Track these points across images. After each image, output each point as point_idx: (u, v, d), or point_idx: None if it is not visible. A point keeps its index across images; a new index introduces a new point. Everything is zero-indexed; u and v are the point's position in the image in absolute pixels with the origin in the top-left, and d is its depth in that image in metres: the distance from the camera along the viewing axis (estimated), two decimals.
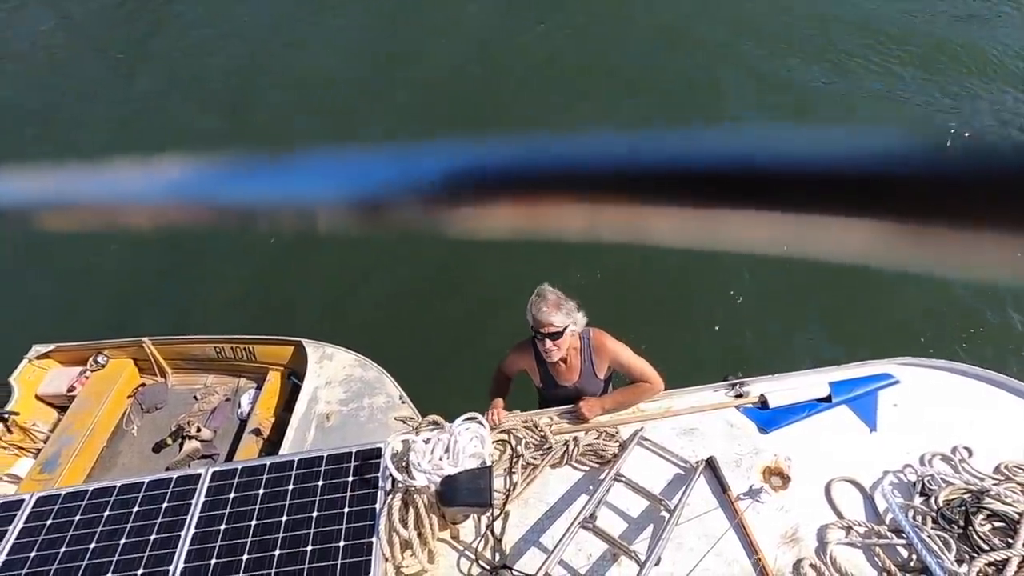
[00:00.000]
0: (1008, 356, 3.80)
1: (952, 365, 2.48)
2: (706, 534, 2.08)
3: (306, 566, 1.99)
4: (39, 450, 3.50)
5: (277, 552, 2.03)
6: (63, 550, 2.11)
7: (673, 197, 0.38)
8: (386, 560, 2.01)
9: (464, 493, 2.05)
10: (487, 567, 2.06)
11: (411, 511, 2.09)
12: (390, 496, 2.12)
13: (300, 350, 3.39)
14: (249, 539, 2.08)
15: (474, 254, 4.96)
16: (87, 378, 3.75)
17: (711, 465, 2.22)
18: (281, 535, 2.07)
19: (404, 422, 2.71)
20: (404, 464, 2.16)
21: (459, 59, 7.29)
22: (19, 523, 2.21)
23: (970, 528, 1.94)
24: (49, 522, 2.20)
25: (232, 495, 2.21)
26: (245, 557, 2.04)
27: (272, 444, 3.17)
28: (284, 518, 2.12)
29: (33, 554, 2.11)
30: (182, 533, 2.11)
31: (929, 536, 1.94)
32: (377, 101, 7.00)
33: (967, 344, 3.93)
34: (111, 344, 3.85)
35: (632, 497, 2.16)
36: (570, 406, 2.46)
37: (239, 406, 3.62)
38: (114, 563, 2.05)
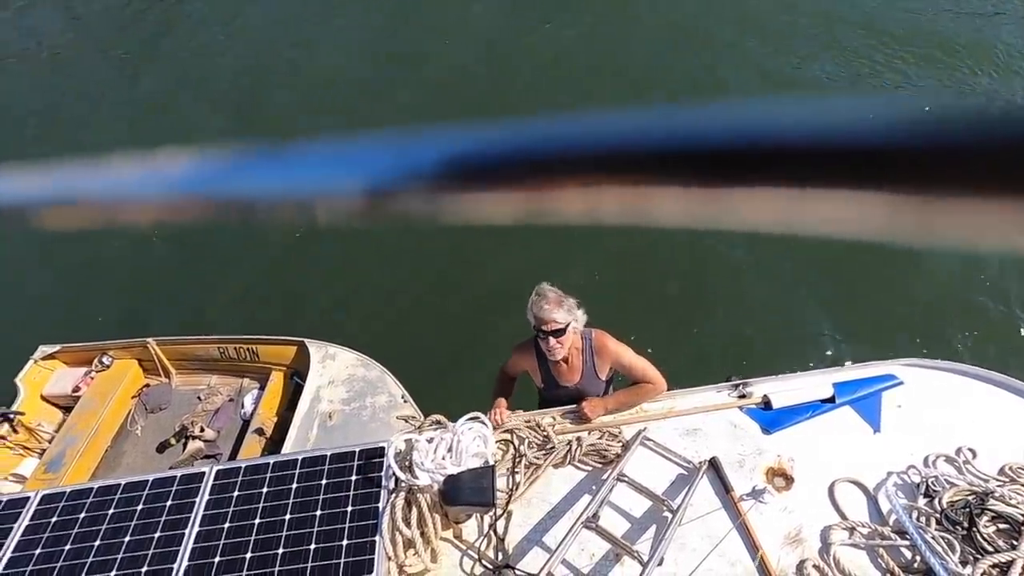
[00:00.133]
0: (1012, 357, 3.78)
1: (956, 366, 2.47)
2: (709, 535, 2.07)
3: (309, 564, 1.99)
4: (44, 450, 3.52)
5: (280, 550, 2.04)
6: (68, 547, 2.12)
7: (673, 176, 0.37)
8: (389, 559, 2.01)
9: (467, 492, 2.05)
10: (490, 566, 2.06)
11: (414, 510, 2.09)
12: (393, 495, 2.12)
13: (303, 350, 3.41)
14: (252, 537, 2.08)
15: (476, 254, 4.97)
16: (92, 379, 3.78)
17: (714, 465, 2.22)
18: (284, 533, 2.08)
19: (406, 421, 2.71)
20: (407, 463, 2.16)
21: (465, 59, 7.32)
22: (24, 520, 2.22)
23: (974, 530, 1.94)
24: (54, 520, 2.21)
25: (236, 493, 2.22)
26: (248, 555, 2.04)
27: (275, 443, 3.18)
28: (287, 516, 2.12)
29: (38, 551, 2.13)
30: (186, 531, 2.12)
31: (933, 537, 1.93)
32: (383, 101, 7.04)
33: (972, 345, 3.92)
34: (116, 345, 3.87)
35: (635, 497, 2.16)
36: (573, 406, 2.46)
37: (242, 406, 3.64)
38: (119, 560, 2.06)
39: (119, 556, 2.08)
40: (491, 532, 2.15)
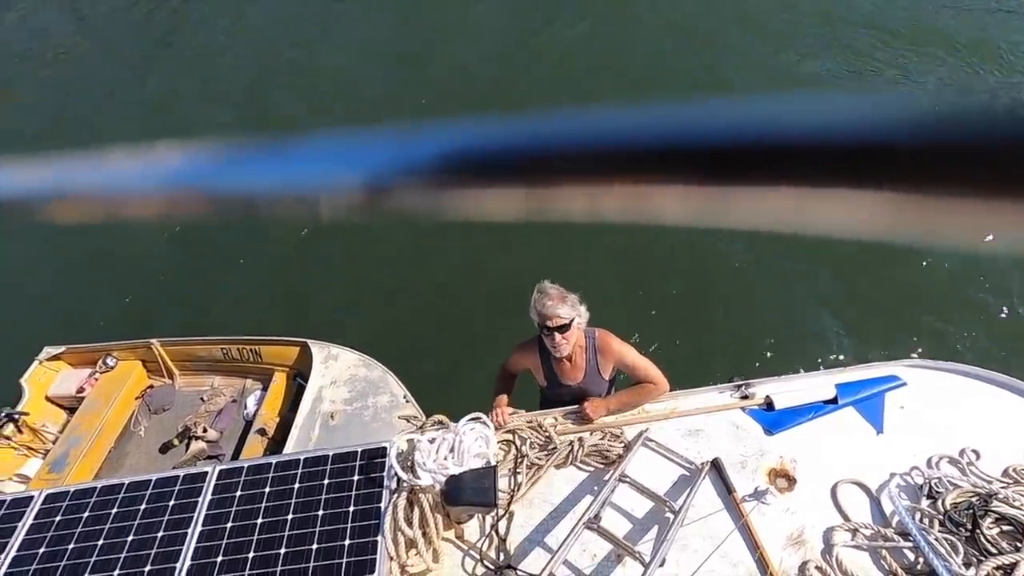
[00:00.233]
0: (1016, 357, 3.77)
1: (960, 367, 2.46)
2: (711, 535, 2.07)
3: (311, 564, 1.99)
4: (48, 451, 3.54)
5: (283, 550, 2.04)
6: (71, 547, 2.13)
7: (675, 175, 0.37)
8: (391, 559, 2.02)
9: (469, 493, 2.06)
10: (491, 567, 2.06)
11: (416, 510, 2.09)
12: (395, 495, 2.12)
13: (305, 351, 3.42)
14: (255, 537, 2.09)
15: (478, 254, 4.98)
16: (96, 380, 3.80)
17: (716, 466, 2.22)
18: (287, 533, 2.08)
19: (408, 421, 2.72)
20: (409, 463, 2.17)
21: (468, 58, 7.36)
22: (28, 520, 2.23)
23: (978, 531, 1.93)
24: (58, 519, 2.22)
25: (238, 493, 2.22)
26: (251, 555, 2.05)
27: (277, 443, 3.19)
28: (289, 516, 2.13)
29: (42, 550, 2.14)
30: (189, 531, 2.13)
31: (936, 539, 1.92)
32: (386, 100, 7.09)
33: (975, 345, 3.90)
34: (120, 346, 3.89)
35: (637, 498, 2.16)
36: (575, 407, 2.47)
37: (245, 407, 3.65)
38: (122, 560, 2.06)
39: (122, 555, 2.09)
40: (493, 532, 2.15)
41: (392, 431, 2.66)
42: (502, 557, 2.10)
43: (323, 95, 7.44)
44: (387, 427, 2.77)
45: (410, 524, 2.06)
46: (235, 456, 3.36)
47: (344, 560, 2.00)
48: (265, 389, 3.61)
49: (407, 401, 2.90)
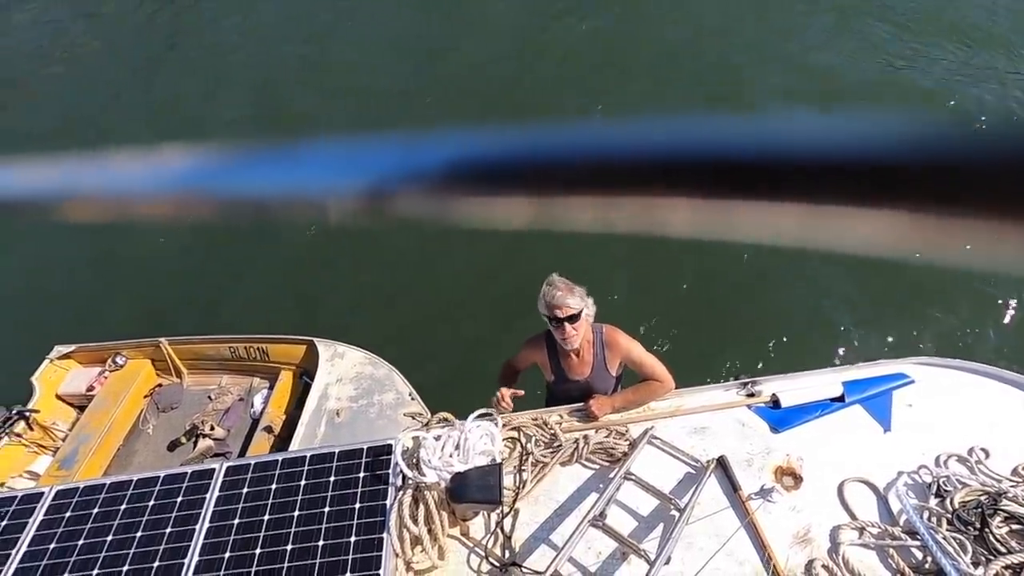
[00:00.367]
0: None
1: (969, 365, 2.44)
2: (717, 534, 2.06)
3: (318, 560, 2.01)
4: (57, 448, 3.57)
5: (289, 547, 2.06)
6: (81, 542, 2.16)
7: (689, 187, 0.38)
8: (397, 556, 2.02)
9: (474, 490, 2.06)
10: (497, 564, 2.06)
11: (421, 507, 2.10)
12: (401, 492, 2.13)
13: (312, 349, 3.44)
14: (262, 533, 2.10)
15: (485, 258, 4.99)
16: (106, 378, 3.83)
17: (722, 464, 2.21)
18: (293, 530, 2.10)
19: (413, 418, 2.73)
20: (415, 461, 2.17)
21: (484, 55, 7.35)
22: (39, 515, 2.26)
23: (987, 530, 1.91)
24: (68, 515, 2.25)
25: (245, 490, 2.24)
26: (258, 551, 2.06)
27: (283, 441, 3.21)
28: (296, 513, 2.14)
29: (53, 546, 2.16)
30: (197, 527, 2.14)
31: (944, 538, 1.91)
32: (402, 98, 7.09)
33: (984, 343, 3.87)
34: (129, 345, 3.93)
35: (642, 496, 2.16)
36: (580, 404, 2.47)
37: (252, 405, 3.67)
38: (131, 555, 2.09)
39: (131, 551, 2.11)
40: (498, 530, 2.15)
41: (397, 428, 2.67)
42: (507, 554, 2.10)
43: (335, 91, 7.47)
44: (393, 424, 2.78)
45: (415, 521, 2.07)
46: (242, 453, 3.38)
47: (350, 557, 2.01)
48: (272, 387, 3.63)
49: (412, 399, 2.91)
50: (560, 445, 2.35)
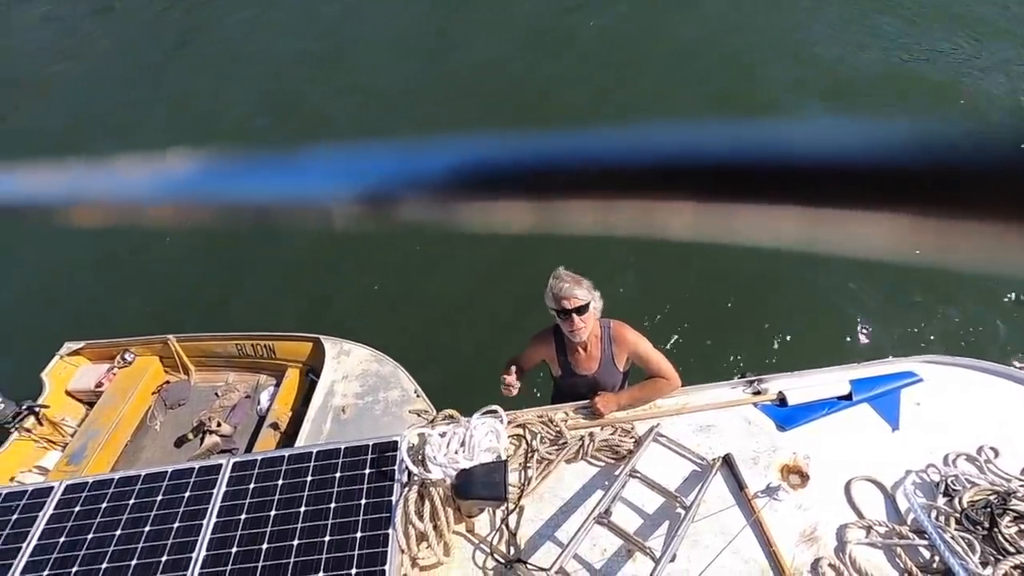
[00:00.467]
0: None
1: (978, 363, 2.42)
2: (722, 532, 2.06)
3: (324, 556, 2.01)
4: (66, 444, 3.61)
5: (296, 542, 2.07)
6: (90, 536, 2.18)
7: (694, 191, 0.38)
8: (402, 552, 2.03)
9: (479, 487, 2.06)
10: (502, 560, 2.07)
11: (427, 504, 2.11)
12: (406, 489, 2.14)
13: (318, 347, 3.45)
14: (268, 529, 2.12)
15: (490, 256, 4.99)
16: (114, 375, 3.86)
17: (728, 462, 2.20)
18: (299, 525, 2.11)
19: (419, 415, 2.73)
20: (420, 457, 2.18)
21: (494, 54, 7.36)
22: (49, 510, 2.28)
23: (995, 530, 1.90)
24: (77, 509, 2.27)
25: (252, 486, 2.25)
26: (264, 546, 2.07)
27: (289, 437, 3.23)
28: (302, 509, 2.15)
29: (62, 540, 2.18)
30: (204, 522, 2.16)
31: (952, 537, 1.90)
32: (413, 96, 7.10)
33: (994, 341, 3.83)
34: (138, 342, 3.96)
35: (647, 493, 2.15)
36: (585, 401, 2.46)
37: (258, 402, 3.69)
38: (139, 549, 2.10)
39: (139, 545, 2.13)
40: (503, 526, 2.15)
41: (403, 425, 2.68)
42: (512, 551, 2.10)
43: (345, 88, 7.49)
44: (398, 421, 2.78)
45: (421, 517, 2.08)
46: (248, 450, 3.40)
47: (356, 552, 2.02)
48: (278, 384, 3.65)
49: (418, 396, 2.92)
50: (565, 442, 2.35)
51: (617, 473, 2.17)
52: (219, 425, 3.56)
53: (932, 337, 3.92)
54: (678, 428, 2.36)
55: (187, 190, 0.57)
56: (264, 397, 3.67)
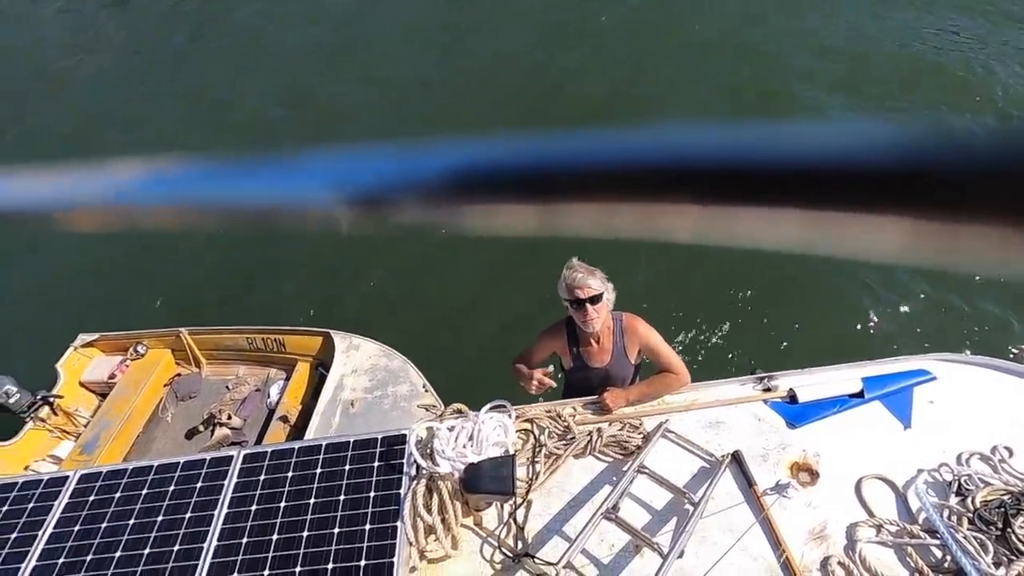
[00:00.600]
0: None
1: (993, 361, 2.39)
2: (731, 528, 2.05)
3: (333, 547, 2.03)
4: (79, 434, 3.66)
5: (305, 533, 2.09)
6: (104, 525, 2.21)
7: (696, 194, 0.38)
8: (410, 544, 2.04)
9: (487, 481, 2.07)
10: (509, 554, 2.07)
11: (435, 497, 2.12)
12: (414, 482, 2.15)
13: (328, 341, 3.47)
14: (279, 520, 2.14)
15: (498, 254, 4.99)
16: (127, 367, 3.91)
17: (737, 459, 2.19)
18: (309, 517, 2.13)
19: (427, 410, 2.74)
20: (428, 451, 2.19)
21: (508, 46, 7.34)
22: (64, 498, 2.32)
23: (1009, 530, 1.87)
24: (91, 498, 2.30)
25: (262, 477, 2.27)
26: (275, 537, 2.09)
27: (299, 431, 3.25)
28: (312, 500, 2.17)
29: (77, 528, 2.21)
30: (215, 512, 2.18)
31: (965, 537, 1.88)
32: (426, 88, 7.10)
33: (1008, 339, 3.78)
34: (150, 334, 4.01)
35: (656, 489, 2.15)
36: (593, 397, 2.46)
37: (268, 396, 3.72)
38: (152, 539, 2.13)
39: (152, 535, 2.15)
40: (511, 520, 2.16)
41: (411, 420, 2.69)
42: (520, 545, 2.11)
43: (359, 79, 7.50)
44: (406, 416, 2.80)
45: (429, 510, 2.09)
46: (258, 442, 3.43)
47: (364, 544, 2.03)
48: (288, 378, 3.68)
49: (426, 390, 2.93)
50: (573, 437, 2.34)
51: (625, 469, 2.17)
52: (229, 418, 3.59)
53: (946, 335, 3.87)
54: (687, 424, 2.35)
55: (198, 193, 0.57)
56: (274, 390, 3.70)
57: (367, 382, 3.06)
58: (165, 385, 3.93)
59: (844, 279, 4.29)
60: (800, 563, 1.93)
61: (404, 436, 2.29)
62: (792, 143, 0.36)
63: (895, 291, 4.17)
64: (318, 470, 2.26)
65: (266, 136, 6.99)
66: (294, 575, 1.98)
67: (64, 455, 3.58)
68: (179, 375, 4.00)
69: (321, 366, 3.55)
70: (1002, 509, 1.91)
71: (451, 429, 2.23)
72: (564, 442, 2.35)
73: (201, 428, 3.63)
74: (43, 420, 3.65)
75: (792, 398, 2.37)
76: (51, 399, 3.67)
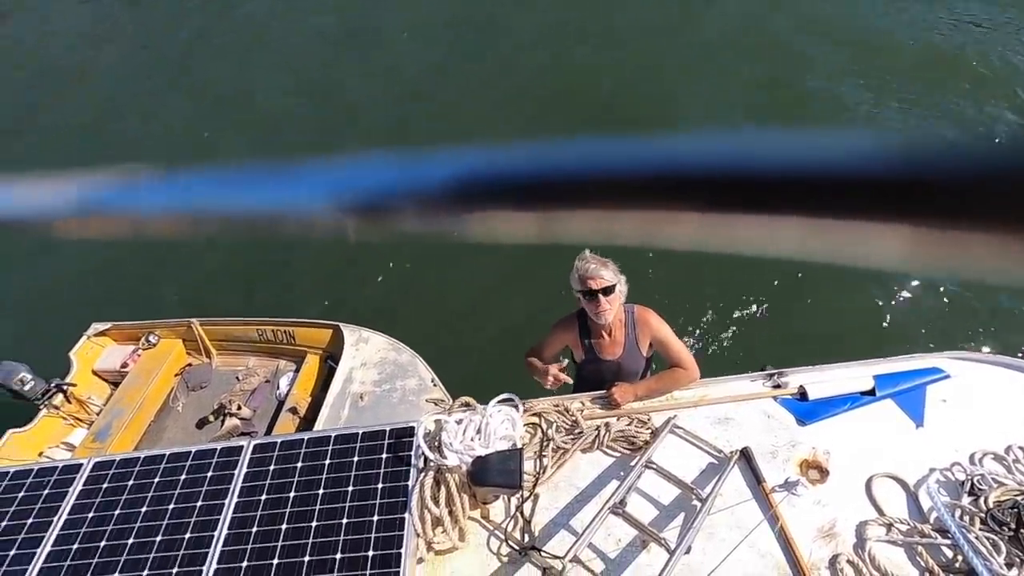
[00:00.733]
0: None
1: (1007, 360, 2.35)
2: (739, 525, 2.04)
3: (341, 537, 2.05)
4: (92, 422, 3.71)
5: (314, 523, 2.11)
6: (117, 512, 2.24)
7: (697, 202, 0.38)
8: (418, 535, 2.05)
9: (494, 474, 2.08)
10: (516, 547, 2.08)
11: (443, 489, 2.13)
12: (422, 474, 2.16)
13: (338, 334, 3.48)
14: (288, 510, 2.16)
15: (509, 253, 4.98)
16: (139, 356, 3.95)
17: (746, 456, 2.18)
18: (318, 507, 2.15)
19: (435, 404, 2.75)
20: (436, 443, 2.20)
21: (525, 36, 7.29)
22: (79, 485, 2.36)
23: (1022, 531, 1.85)
24: (104, 486, 2.34)
25: (272, 467, 2.29)
26: (284, 527, 2.12)
27: (308, 423, 3.27)
28: (321, 491, 2.19)
29: (91, 515, 2.25)
30: (225, 501, 2.21)
31: (977, 537, 1.86)
32: (440, 76, 7.07)
33: (1022, 338, 3.73)
34: (162, 324, 4.04)
35: (663, 485, 2.14)
36: (601, 392, 2.46)
37: (278, 387, 3.75)
38: (164, 526, 2.16)
39: (163, 522, 2.18)
40: (518, 514, 2.16)
41: (419, 414, 2.70)
42: (527, 538, 2.11)
43: (371, 70, 7.48)
44: (415, 410, 2.80)
45: (437, 502, 2.10)
46: (267, 433, 3.45)
47: (372, 535, 2.05)
48: (298, 370, 3.70)
49: (435, 385, 2.93)
50: (581, 432, 2.34)
51: (633, 464, 2.17)
52: (239, 408, 3.62)
53: (960, 333, 3.82)
54: (695, 420, 2.34)
55: (206, 201, 0.58)
56: (283, 382, 3.73)
57: (376, 375, 3.07)
58: (176, 375, 3.97)
59: (857, 276, 4.24)
60: (808, 560, 1.92)
61: (412, 428, 2.30)
62: (792, 151, 0.36)
63: (908, 288, 4.13)
64: (327, 461, 2.28)
65: (273, 130, 7.01)
66: (303, 564, 2.00)
67: (77, 442, 3.63)
68: (190, 365, 4.04)
69: (330, 359, 3.57)
70: (1015, 510, 1.88)
71: (459, 422, 2.24)
72: (572, 436, 2.35)
73: (211, 418, 3.67)
74: (57, 408, 3.70)
75: (803, 395, 2.35)
76: (64, 387, 3.72)
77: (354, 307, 4.85)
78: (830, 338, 3.94)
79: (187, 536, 2.13)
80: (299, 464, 2.29)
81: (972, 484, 2.01)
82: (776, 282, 4.34)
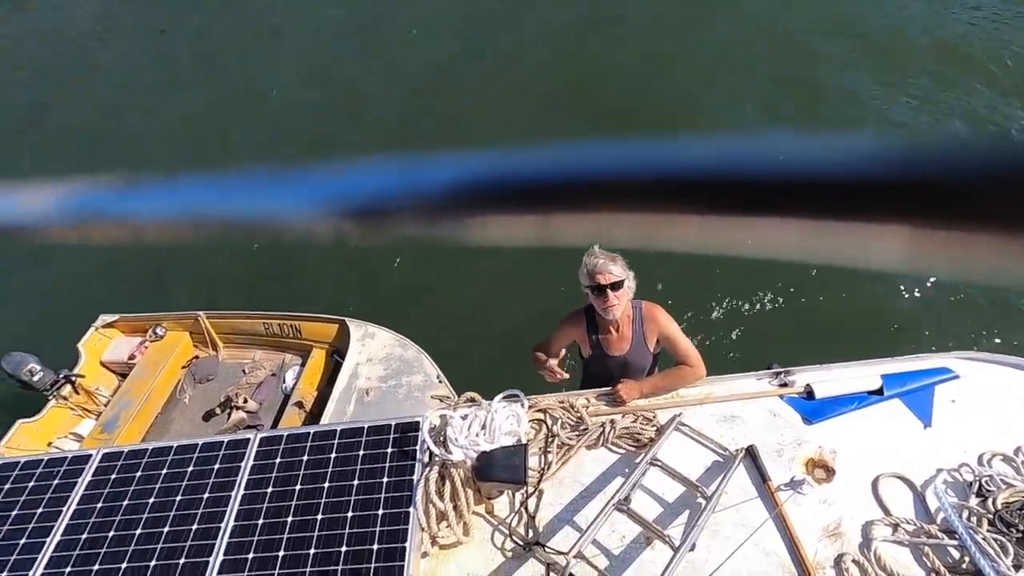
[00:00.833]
0: None
1: (1017, 360, 2.33)
2: (743, 523, 2.04)
3: (346, 531, 2.06)
4: (100, 413, 3.75)
5: (319, 516, 2.12)
6: (125, 503, 2.26)
7: (698, 204, 0.38)
8: (423, 530, 2.06)
9: (499, 469, 2.08)
10: (520, 542, 2.09)
11: (447, 484, 2.13)
12: (427, 469, 2.17)
13: (344, 329, 3.50)
14: (293, 502, 2.17)
15: (514, 252, 4.97)
16: (146, 348, 3.99)
17: (751, 454, 2.17)
18: (323, 500, 2.16)
19: (440, 400, 2.76)
20: (441, 438, 2.20)
21: (542, 35, 7.27)
22: (87, 476, 2.38)
23: None
24: (113, 476, 2.36)
25: (278, 460, 2.31)
26: (290, 519, 2.13)
27: (313, 417, 3.29)
28: (326, 484, 2.20)
29: (99, 505, 2.27)
30: (232, 493, 2.22)
31: (984, 539, 1.85)
32: (452, 70, 7.06)
33: None
34: (169, 317, 4.07)
35: (668, 482, 2.14)
36: (607, 388, 2.45)
37: (284, 381, 3.77)
38: (171, 517, 2.18)
39: (171, 513, 2.20)
40: (522, 509, 2.17)
41: (424, 410, 2.71)
42: (531, 534, 2.12)
43: (387, 62, 7.48)
44: (420, 405, 2.81)
45: (441, 497, 2.11)
46: (273, 427, 3.48)
47: (377, 529, 2.06)
48: (304, 364, 3.72)
49: (440, 381, 2.94)
50: (586, 428, 2.34)
51: (638, 461, 2.16)
52: (245, 401, 3.64)
53: (969, 332, 3.79)
54: (701, 418, 2.34)
55: (211, 206, 0.57)
56: (289, 376, 3.75)
57: (382, 371, 3.08)
58: (183, 367, 4.00)
59: (865, 275, 4.21)
60: (813, 560, 1.92)
61: (418, 423, 2.30)
62: (801, 152, 0.35)
63: (917, 288, 4.09)
64: (333, 455, 2.29)
65: (281, 126, 7.02)
66: (308, 557, 2.01)
67: (85, 433, 3.67)
68: (197, 358, 4.07)
69: (336, 353, 3.58)
70: None
71: (464, 417, 2.24)
72: (577, 433, 2.35)
73: (218, 411, 3.70)
74: (65, 398, 3.74)
75: (809, 394, 2.34)
76: (73, 378, 3.75)
77: (360, 304, 4.86)
78: (838, 337, 3.91)
79: (194, 527, 2.15)
80: (305, 457, 2.30)
81: (980, 485, 1.99)
82: (784, 281, 4.31)
